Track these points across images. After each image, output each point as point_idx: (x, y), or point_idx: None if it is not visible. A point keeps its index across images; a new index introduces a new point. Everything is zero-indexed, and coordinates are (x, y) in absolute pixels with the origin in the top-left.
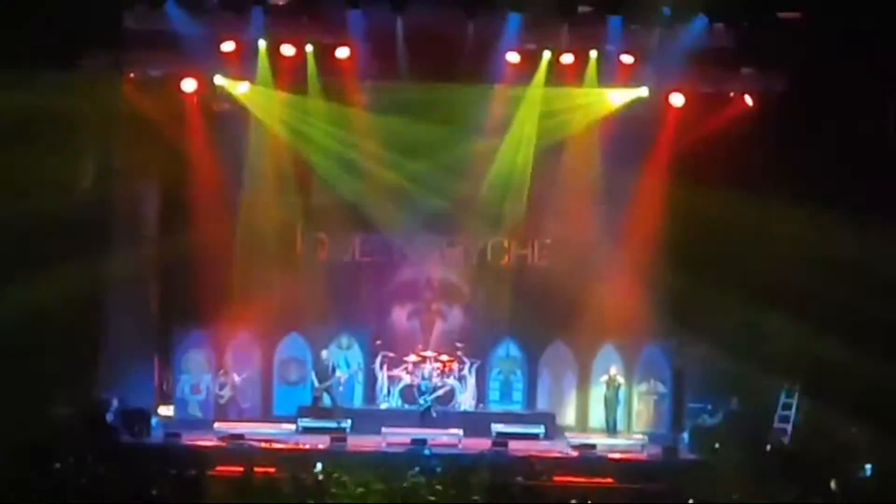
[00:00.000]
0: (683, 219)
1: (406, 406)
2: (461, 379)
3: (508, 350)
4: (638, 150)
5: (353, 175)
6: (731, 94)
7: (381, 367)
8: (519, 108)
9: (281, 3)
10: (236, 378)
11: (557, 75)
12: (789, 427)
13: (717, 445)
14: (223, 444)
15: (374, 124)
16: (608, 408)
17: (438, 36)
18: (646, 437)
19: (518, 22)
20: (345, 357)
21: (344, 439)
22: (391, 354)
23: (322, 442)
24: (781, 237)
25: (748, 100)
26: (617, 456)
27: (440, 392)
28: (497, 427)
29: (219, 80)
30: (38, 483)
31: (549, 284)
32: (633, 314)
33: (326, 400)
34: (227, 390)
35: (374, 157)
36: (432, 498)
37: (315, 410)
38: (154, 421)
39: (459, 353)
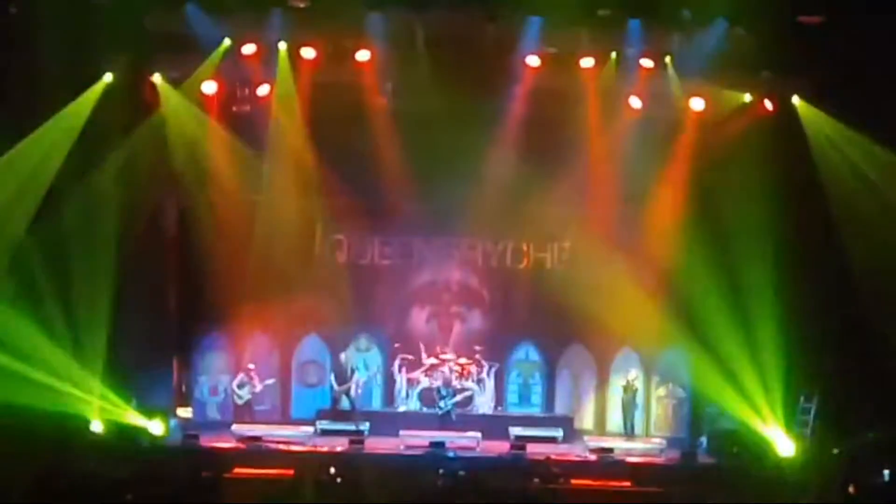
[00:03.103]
0: (703, 223)
1: (424, 409)
2: (480, 382)
3: (527, 353)
4: (658, 154)
5: (373, 177)
6: (751, 99)
7: (400, 370)
8: (539, 111)
9: (301, 5)
10: (258, 385)
11: (578, 79)
12: (808, 431)
13: (735, 449)
14: (241, 445)
15: (394, 126)
16: (626, 411)
17: (458, 39)
18: (664, 441)
19: (538, 25)
20: (363, 359)
21: (362, 442)
22: (410, 357)
23: (340, 444)
24: (801, 243)
25: (768, 104)
26: (635, 460)
27: (460, 397)
28: (515, 430)
29: (238, 82)
30: (57, 483)
31: (567, 288)
32: (652, 318)
33: (345, 402)
34: (245, 391)
35: (393, 160)
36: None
37: (333, 413)
38: (172, 422)
39: (478, 355)
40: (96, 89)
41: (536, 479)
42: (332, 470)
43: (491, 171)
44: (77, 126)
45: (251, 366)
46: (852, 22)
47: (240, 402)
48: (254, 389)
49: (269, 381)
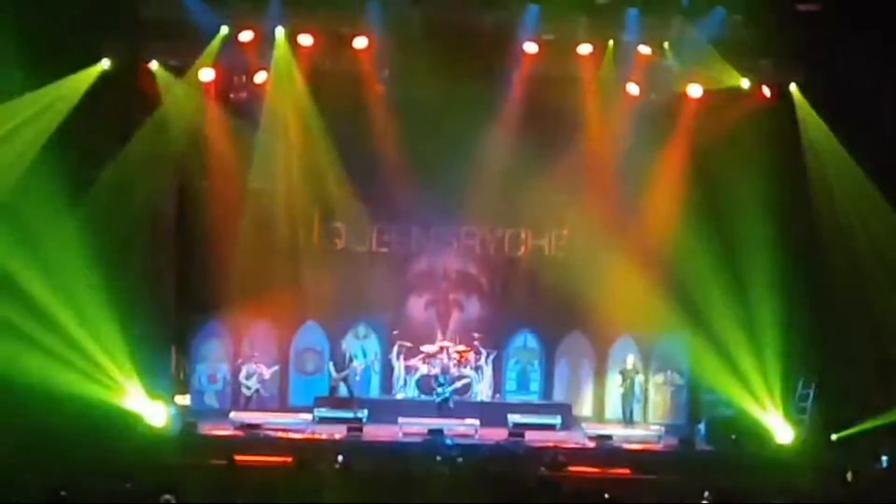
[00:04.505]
0: (701, 210)
1: (423, 396)
2: (478, 369)
3: (525, 340)
4: (656, 141)
5: (370, 164)
6: (749, 86)
7: (398, 357)
8: (537, 98)
9: None
10: (266, 372)
11: (576, 66)
12: (806, 418)
13: (733, 436)
14: (240, 433)
15: (392, 115)
16: (625, 399)
17: (456, 26)
18: (662, 428)
19: (536, 13)
20: (362, 347)
21: (360, 429)
22: (408, 344)
23: (338, 432)
24: (799, 229)
25: (766, 91)
26: (633, 447)
27: (459, 384)
28: (514, 417)
29: (236, 69)
30: (58, 470)
31: (565, 275)
32: (650, 305)
33: (343, 390)
34: (253, 381)
35: (390, 147)
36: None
37: (332, 400)
38: (171, 410)
39: (476, 343)
40: (92, 72)
41: (543, 468)
42: (340, 458)
43: (489, 158)
44: (67, 102)
45: (255, 354)
46: (850, 10)
47: (248, 392)
48: (263, 378)
49: (275, 368)
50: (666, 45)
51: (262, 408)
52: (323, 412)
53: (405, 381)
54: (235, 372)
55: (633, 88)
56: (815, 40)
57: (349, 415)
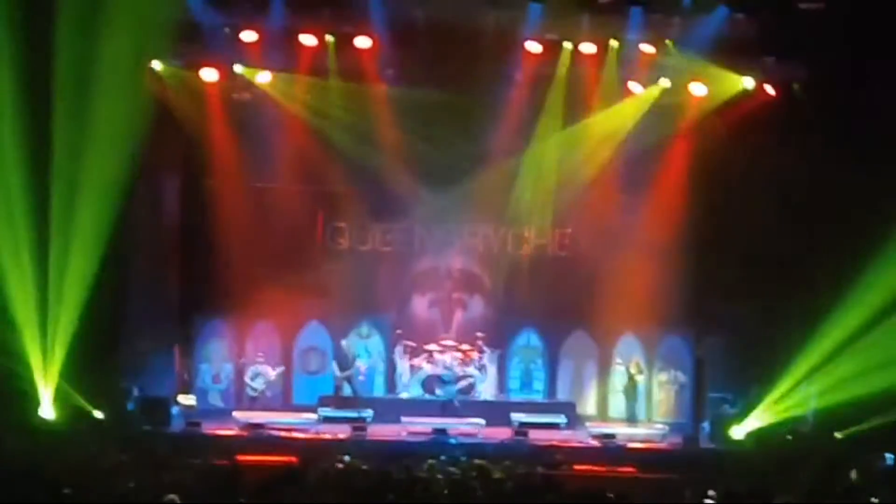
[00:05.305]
0: (704, 208)
1: (426, 395)
2: (482, 368)
3: (529, 339)
4: (659, 139)
5: (374, 164)
6: (753, 84)
7: (402, 357)
8: (541, 98)
9: None
10: (272, 373)
11: (579, 65)
12: (810, 416)
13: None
14: (244, 433)
15: (395, 114)
16: (628, 397)
17: (460, 25)
18: (666, 427)
19: (539, 12)
20: (365, 346)
21: (364, 429)
22: (412, 343)
23: (342, 431)
24: (801, 227)
25: (769, 89)
26: (637, 445)
27: (463, 383)
28: (517, 417)
29: (239, 69)
30: (59, 470)
31: (569, 274)
32: (654, 303)
33: (347, 389)
34: (258, 382)
35: (394, 147)
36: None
37: (335, 400)
38: (174, 410)
39: (480, 342)
40: None
41: (540, 468)
42: (347, 458)
43: (492, 157)
44: None
45: (260, 355)
46: (853, 7)
47: (254, 393)
48: (269, 379)
49: (281, 369)
50: (669, 43)
51: (265, 407)
52: (327, 412)
53: (409, 380)
54: (241, 373)
55: (635, 87)
56: (818, 38)
57: (353, 414)
